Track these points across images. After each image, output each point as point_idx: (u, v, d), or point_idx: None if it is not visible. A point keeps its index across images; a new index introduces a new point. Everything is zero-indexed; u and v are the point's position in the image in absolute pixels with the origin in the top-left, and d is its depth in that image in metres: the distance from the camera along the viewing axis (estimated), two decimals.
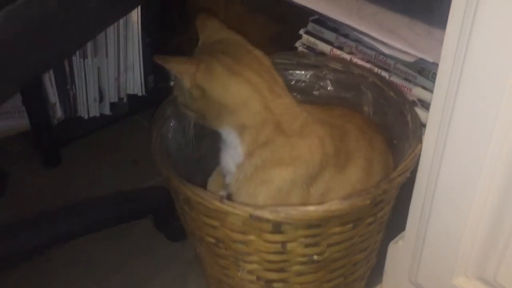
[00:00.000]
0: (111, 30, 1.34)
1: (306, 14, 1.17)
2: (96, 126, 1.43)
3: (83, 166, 1.37)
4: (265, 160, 0.84)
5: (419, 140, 0.86)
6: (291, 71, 1.09)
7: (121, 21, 1.35)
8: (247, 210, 0.76)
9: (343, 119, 0.95)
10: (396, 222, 0.97)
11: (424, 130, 0.85)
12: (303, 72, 1.08)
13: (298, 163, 0.83)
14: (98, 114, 1.42)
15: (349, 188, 0.87)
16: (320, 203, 0.76)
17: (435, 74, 1.03)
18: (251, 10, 1.44)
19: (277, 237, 0.81)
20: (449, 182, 0.81)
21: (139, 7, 1.35)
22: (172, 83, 0.91)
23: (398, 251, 1.00)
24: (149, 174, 1.30)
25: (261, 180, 0.85)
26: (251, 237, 0.82)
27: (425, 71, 1.05)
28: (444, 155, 0.79)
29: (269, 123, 0.84)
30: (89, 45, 1.33)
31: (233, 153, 0.88)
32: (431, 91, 1.01)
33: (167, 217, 1.17)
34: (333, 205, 0.75)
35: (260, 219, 0.76)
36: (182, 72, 0.83)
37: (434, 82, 1.01)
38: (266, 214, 0.75)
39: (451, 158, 0.79)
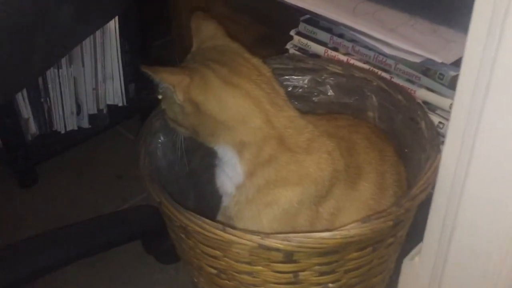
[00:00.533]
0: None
1: (295, 14, 1.11)
2: (75, 140, 1.37)
3: (63, 185, 1.30)
4: (269, 181, 0.77)
5: (438, 150, 0.78)
6: (287, 77, 1.01)
7: None
8: (255, 239, 0.67)
9: (349, 129, 0.88)
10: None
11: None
12: (300, 77, 1.01)
13: (306, 182, 0.76)
14: (76, 128, 1.37)
15: (361, 206, 0.80)
16: (337, 228, 0.67)
17: (442, 74, 0.97)
18: (235, 11, 1.37)
19: (289, 267, 0.73)
20: (477, 195, 0.74)
21: None
22: (159, 96, 0.82)
23: (414, 269, 0.92)
24: (135, 190, 1.25)
25: (265, 203, 0.77)
26: (259, 268, 0.73)
27: (431, 72, 0.99)
28: (471, 165, 0.72)
29: (271, 139, 0.76)
30: None
31: (231, 173, 0.80)
32: (438, 93, 0.97)
33: (157, 239, 1.09)
34: (352, 230, 0.67)
35: (270, 249, 0.67)
36: (175, 84, 0.75)
37: (441, 83, 0.97)
38: (277, 243, 0.67)
39: (480, 168, 0.72)
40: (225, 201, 0.83)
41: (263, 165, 0.77)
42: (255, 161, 0.77)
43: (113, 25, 1.29)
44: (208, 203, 0.95)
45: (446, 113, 0.94)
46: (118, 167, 1.33)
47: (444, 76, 0.97)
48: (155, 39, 1.41)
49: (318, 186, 0.76)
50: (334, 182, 0.78)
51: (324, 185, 0.77)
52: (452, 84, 0.96)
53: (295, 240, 0.67)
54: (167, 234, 1.06)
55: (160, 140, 0.89)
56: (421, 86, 0.98)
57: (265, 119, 0.76)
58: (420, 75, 1.00)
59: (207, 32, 0.84)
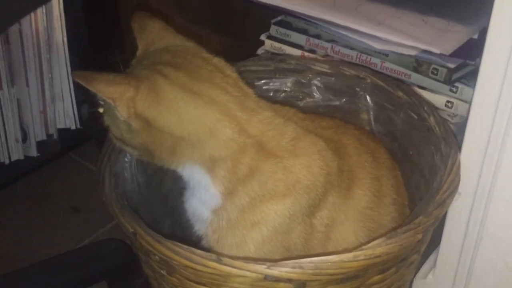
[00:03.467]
0: (30, 52, 1.17)
1: (261, 21, 1.06)
2: (22, 171, 1.26)
3: (10, 221, 1.19)
4: (253, 197, 0.66)
5: (457, 148, 0.68)
6: (267, 80, 0.92)
7: (42, 40, 1.18)
8: (260, 269, 0.55)
9: (336, 130, 0.79)
10: None
11: None
12: (282, 79, 0.91)
13: (297, 192, 0.66)
14: (22, 157, 1.24)
15: (358, 216, 0.72)
16: (359, 247, 0.55)
17: (436, 69, 0.90)
18: (192, 23, 1.31)
19: None
20: (510, 198, 0.63)
21: (63, 24, 1.19)
22: (100, 109, 0.70)
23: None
24: (96, 223, 1.16)
25: (251, 223, 0.66)
26: None
27: (423, 68, 0.93)
28: (502, 161, 0.62)
29: (248, 148, 0.65)
30: (4, 73, 1.15)
31: (204, 196, 0.68)
32: (431, 90, 0.91)
33: (126, 278, 0.96)
34: (377, 248, 0.55)
35: (279, 280, 0.55)
36: (115, 98, 0.61)
37: (435, 78, 0.90)
38: (288, 272, 0.54)
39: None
40: (199, 230, 0.72)
41: (244, 181, 0.66)
42: (232, 177, 0.66)
43: (60, 37, 1.19)
44: (184, 232, 0.82)
45: (440, 112, 0.86)
46: (74, 199, 1.23)
47: (438, 71, 0.91)
48: (112, 53, 1.29)
49: (311, 195, 0.67)
50: (328, 188, 0.69)
51: (317, 192, 0.68)
52: (448, 79, 0.89)
53: (310, 266, 0.54)
54: (137, 271, 0.94)
55: (126, 159, 0.76)
56: (411, 84, 0.92)
57: (238, 128, 0.65)
58: (410, 72, 0.94)
59: (154, 33, 0.72)
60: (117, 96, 0.61)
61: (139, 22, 0.72)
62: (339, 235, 0.70)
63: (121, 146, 0.70)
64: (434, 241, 0.79)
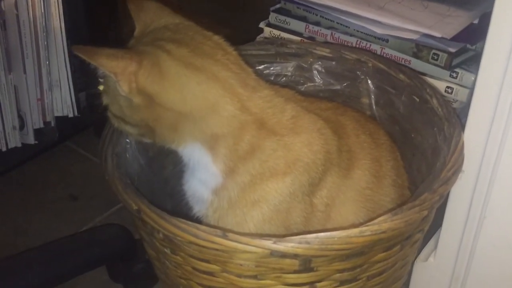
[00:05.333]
0: (27, 39, 1.15)
1: (257, 11, 1.08)
2: (19, 159, 1.25)
3: (8, 209, 1.17)
4: (255, 175, 0.65)
5: (461, 127, 0.68)
6: (268, 64, 0.91)
7: (40, 26, 1.16)
8: (267, 244, 0.54)
9: (334, 111, 0.78)
10: None
11: None
12: (283, 63, 0.90)
13: (297, 169, 0.66)
14: (19, 145, 1.22)
15: (357, 196, 0.71)
16: (366, 223, 0.54)
17: (436, 55, 0.90)
18: (190, 15, 1.30)
19: (305, 277, 0.60)
20: None
21: (61, 10, 1.17)
22: (100, 86, 0.68)
23: (429, 271, 0.82)
24: (94, 211, 1.14)
25: (252, 201, 0.66)
26: (268, 282, 0.60)
27: (423, 53, 0.94)
28: (506, 139, 0.62)
29: (249, 125, 0.65)
30: (1, 60, 1.13)
31: (204, 176, 0.68)
32: (431, 76, 0.91)
33: (126, 262, 0.95)
34: (383, 224, 0.55)
35: (285, 255, 0.54)
36: (117, 72, 0.60)
37: (435, 64, 0.91)
38: (294, 247, 0.53)
39: None
40: (199, 211, 0.71)
41: (245, 158, 0.65)
42: (233, 155, 0.65)
43: (58, 24, 1.17)
44: (185, 216, 0.81)
45: None
46: (72, 187, 1.21)
47: (439, 56, 0.91)
48: (113, 40, 1.29)
49: (311, 172, 0.66)
50: (328, 166, 0.68)
51: (317, 171, 0.67)
52: (448, 64, 0.89)
53: (316, 242, 0.54)
54: (137, 256, 0.93)
55: (128, 141, 0.75)
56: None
57: (239, 105, 0.64)
58: (410, 58, 0.94)
59: (152, 12, 0.70)
60: (119, 70, 0.60)
61: (135, 2, 0.71)
62: (339, 215, 0.70)
63: (119, 126, 0.68)
64: (436, 225, 0.79)
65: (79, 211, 1.15)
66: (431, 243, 0.83)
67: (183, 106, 0.63)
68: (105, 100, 0.68)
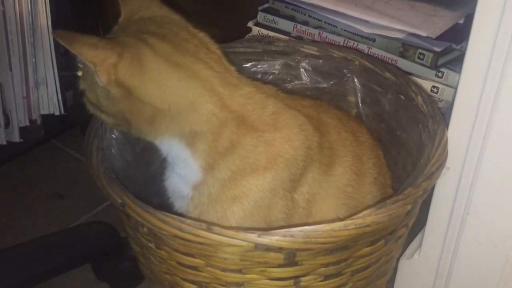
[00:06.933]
0: (14, 36, 1.14)
1: (244, 12, 1.08)
2: (4, 157, 1.23)
3: None
4: (235, 171, 0.65)
5: (445, 124, 0.68)
6: (255, 62, 0.91)
7: (26, 23, 1.15)
8: (251, 237, 0.54)
9: (316, 109, 0.78)
10: None
11: None
12: (270, 61, 0.90)
13: (278, 165, 0.66)
14: (4, 142, 1.20)
15: (338, 193, 0.71)
16: (350, 216, 0.55)
17: (422, 54, 0.91)
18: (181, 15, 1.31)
19: (289, 271, 0.60)
20: (496, 170, 0.65)
21: (48, 8, 1.16)
22: (78, 72, 0.67)
23: (414, 268, 0.82)
24: (80, 210, 1.14)
25: (232, 197, 0.66)
26: (252, 276, 0.60)
27: (409, 53, 0.94)
28: (489, 135, 0.63)
29: (229, 122, 0.65)
30: None
31: (184, 171, 0.67)
32: (417, 76, 0.92)
33: (112, 260, 0.94)
34: (367, 217, 0.55)
35: (269, 249, 0.54)
36: (96, 62, 0.59)
37: (421, 63, 0.91)
38: (279, 240, 0.53)
39: (500, 138, 0.63)
40: (180, 207, 0.70)
41: (225, 154, 0.65)
42: (213, 151, 0.65)
43: (44, 21, 1.16)
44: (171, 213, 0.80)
45: None
46: (58, 186, 1.20)
47: (424, 56, 0.92)
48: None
49: (291, 168, 0.66)
50: (309, 162, 0.68)
51: (298, 166, 0.67)
52: (434, 64, 0.90)
53: (301, 235, 0.54)
54: (122, 254, 0.93)
55: (114, 136, 0.75)
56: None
57: (219, 103, 0.64)
58: (397, 57, 0.95)
59: (139, 0, 0.69)
60: (99, 61, 0.59)
61: None
62: (320, 212, 0.70)
63: (95, 112, 0.67)
64: (422, 223, 0.79)
65: (66, 209, 1.14)
66: (416, 240, 0.84)
67: (161, 102, 0.62)
68: (82, 85, 0.66)
